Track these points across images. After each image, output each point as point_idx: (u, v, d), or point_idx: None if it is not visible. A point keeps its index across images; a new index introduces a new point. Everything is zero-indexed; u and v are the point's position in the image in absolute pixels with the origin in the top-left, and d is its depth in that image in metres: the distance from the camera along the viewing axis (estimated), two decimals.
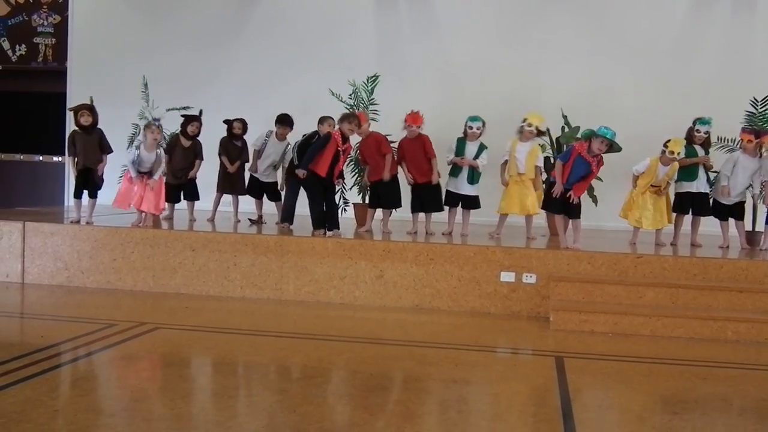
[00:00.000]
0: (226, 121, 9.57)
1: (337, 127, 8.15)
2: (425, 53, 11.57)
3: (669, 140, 8.23)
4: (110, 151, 8.59)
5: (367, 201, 9.11)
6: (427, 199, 8.69)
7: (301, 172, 8.07)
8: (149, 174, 8.39)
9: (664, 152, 8.24)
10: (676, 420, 4.41)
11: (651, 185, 8.36)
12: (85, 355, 5.44)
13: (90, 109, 8.47)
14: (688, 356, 5.93)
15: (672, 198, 8.62)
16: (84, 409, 4.15)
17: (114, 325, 6.23)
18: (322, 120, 8.44)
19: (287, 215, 8.76)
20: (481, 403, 4.74)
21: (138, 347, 5.69)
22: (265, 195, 9.71)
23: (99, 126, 8.53)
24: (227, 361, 5.52)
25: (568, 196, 7.55)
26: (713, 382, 5.29)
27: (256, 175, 9.56)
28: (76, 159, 8.39)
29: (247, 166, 9.63)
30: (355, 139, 8.64)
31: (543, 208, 8.23)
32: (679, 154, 8.18)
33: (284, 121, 9.34)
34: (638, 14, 11.11)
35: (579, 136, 8.09)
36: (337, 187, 8.59)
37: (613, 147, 7.46)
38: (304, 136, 8.59)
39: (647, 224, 8.42)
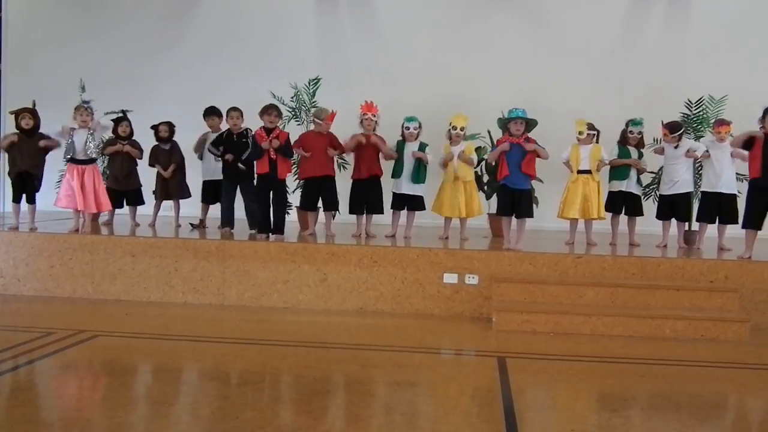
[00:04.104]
0: (152, 127, 9.49)
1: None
2: (367, 55, 11.60)
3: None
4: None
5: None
6: (372, 199, 8.68)
7: (238, 165, 8.43)
8: (86, 162, 8.25)
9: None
10: (615, 417, 4.50)
11: (579, 171, 8.63)
12: (22, 365, 5.32)
13: (32, 112, 8.40)
14: (628, 354, 6.05)
15: (605, 196, 8.80)
16: (21, 420, 4.05)
17: (52, 334, 6.11)
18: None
19: (227, 219, 8.66)
20: (424, 404, 4.76)
21: (77, 356, 5.59)
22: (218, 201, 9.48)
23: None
24: (169, 368, 5.45)
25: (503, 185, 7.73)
26: (651, 380, 5.39)
27: (208, 178, 9.42)
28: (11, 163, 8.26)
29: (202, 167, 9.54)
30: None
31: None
32: (581, 133, 8.61)
33: (210, 113, 9.37)
34: (579, 16, 11.31)
35: (499, 127, 8.18)
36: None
37: (529, 123, 7.68)
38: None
39: (577, 213, 8.64)
